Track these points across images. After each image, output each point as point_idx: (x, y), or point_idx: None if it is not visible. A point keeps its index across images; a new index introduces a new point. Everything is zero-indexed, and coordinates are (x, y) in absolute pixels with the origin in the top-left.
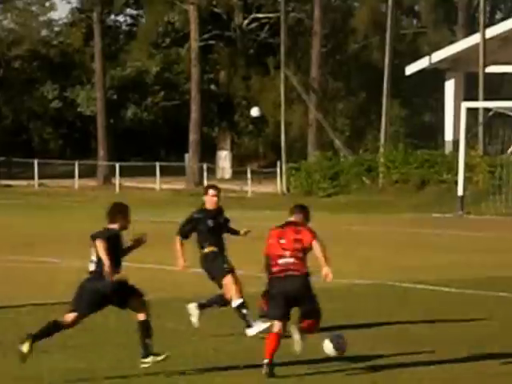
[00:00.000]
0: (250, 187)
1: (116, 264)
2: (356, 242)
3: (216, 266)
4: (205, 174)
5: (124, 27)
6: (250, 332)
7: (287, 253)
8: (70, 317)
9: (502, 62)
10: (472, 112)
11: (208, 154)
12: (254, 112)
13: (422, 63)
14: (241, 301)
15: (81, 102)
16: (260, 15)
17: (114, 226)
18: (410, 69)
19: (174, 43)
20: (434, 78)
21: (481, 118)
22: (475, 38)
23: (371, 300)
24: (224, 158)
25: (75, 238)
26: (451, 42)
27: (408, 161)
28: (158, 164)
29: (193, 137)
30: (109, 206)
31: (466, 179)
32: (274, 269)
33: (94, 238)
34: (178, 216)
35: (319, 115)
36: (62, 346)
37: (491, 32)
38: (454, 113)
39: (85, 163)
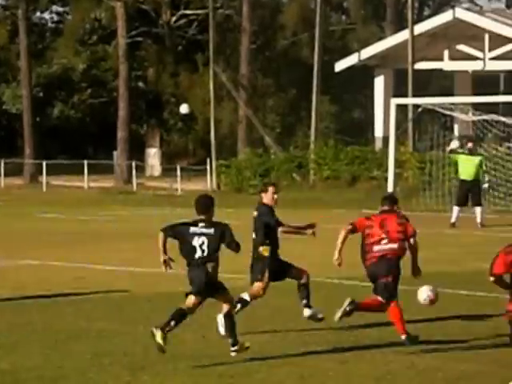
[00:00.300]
0: (179, 185)
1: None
2: (286, 238)
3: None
4: (133, 171)
5: (50, 24)
6: None
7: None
8: (192, 300)
9: (431, 59)
10: (401, 108)
11: (137, 151)
12: (183, 109)
13: (351, 60)
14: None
15: (6, 100)
16: (188, 12)
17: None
18: (340, 65)
19: (101, 40)
20: (363, 74)
21: (410, 115)
22: (404, 35)
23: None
24: (153, 156)
25: (1, 236)
26: (380, 39)
27: (338, 157)
28: (85, 162)
29: (121, 134)
30: (200, 199)
31: (396, 175)
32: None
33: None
34: (106, 214)
35: (249, 112)
36: None
37: (420, 28)
38: (383, 109)
39: (11, 161)
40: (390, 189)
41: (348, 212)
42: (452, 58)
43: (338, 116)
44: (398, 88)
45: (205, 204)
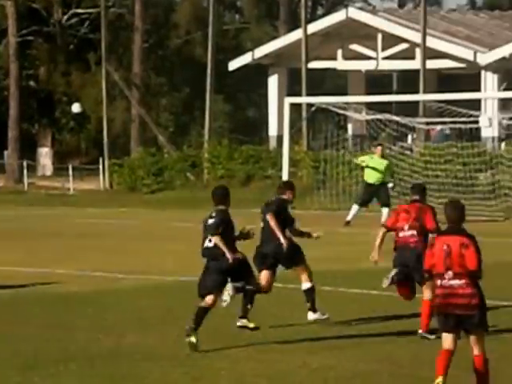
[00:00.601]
0: (71, 184)
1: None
2: (179, 238)
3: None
4: (25, 171)
5: None
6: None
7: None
8: (211, 299)
9: (324, 58)
10: (295, 107)
11: (28, 150)
12: (75, 108)
13: (244, 59)
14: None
15: None
16: (80, 10)
17: (224, 208)
18: (233, 64)
19: None
20: (257, 73)
21: (304, 114)
22: (297, 34)
23: (194, 297)
24: (45, 155)
25: None
26: (274, 38)
27: (232, 156)
28: None
29: (12, 133)
30: (217, 190)
31: (291, 174)
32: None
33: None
34: None
35: (142, 111)
36: None
37: (313, 28)
38: (277, 108)
39: None
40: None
41: (241, 211)
42: (345, 57)
43: (232, 115)
44: (291, 87)
45: (221, 194)
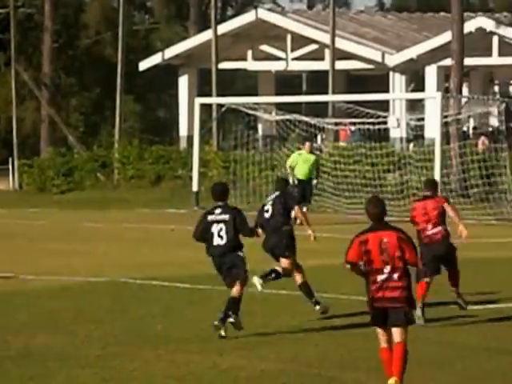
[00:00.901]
0: None
1: None
2: (90, 239)
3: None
4: None
5: None
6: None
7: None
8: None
9: (234, 58)
10: (206, 108)
11: None
12: None
13: (155, 59)
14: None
15: None
16: None
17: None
18: (144, 65)
19: None
20: (167, 73)
21: (214, 114)
22: (207, 35)
23: (105, 298)
24: None
25: None
26: (184, 38)
27: (143, 157)
28: None
29: None
30: (216, 186)
31: (201, 174)
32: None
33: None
34: None
35: (52, 111)
36: None
37: (223, 28)
38: (187, 108)
39: None
40: (194, 188)
41: (152, 212)
42: (255, 58)
43: (143, 115)
44: (202, 87)
45: (221, 191)
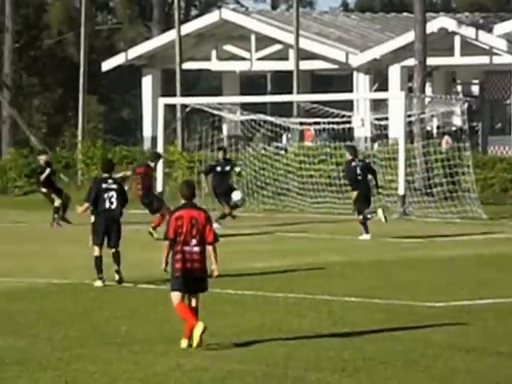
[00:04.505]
0: None
1: None
2: (53, 240)
3: None
4: None
5: None
6: None
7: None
8: None
9: (199, 59)
10: (170, 108)
11: None
12: None
13: (118, 59)
14: None
15: None
16: None
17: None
18: (107, 65)
19: None
20: (131, 74)
21: (178, 114)
22: (171, 35)
23: (68, 300)
24: None
25: None
26: (147, 39)
27: (107, 157)
28: None
29: None
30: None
31: (166, 175)
32: None
33: None
34: None
35: (14, 112)
36: None
37: (187, 29)
38: (151, 109)
39: None
40: (159, 188)
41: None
42: (219, 58)
43: (107, 116)
44: (166, 88)
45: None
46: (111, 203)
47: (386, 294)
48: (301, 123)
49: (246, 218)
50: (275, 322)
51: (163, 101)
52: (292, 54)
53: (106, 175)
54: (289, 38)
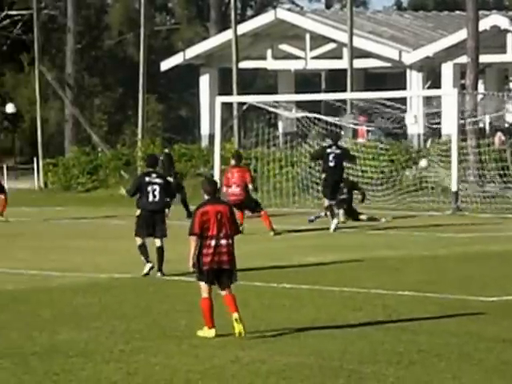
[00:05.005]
0: (6, 183)
1: None
2: (115, 236)
3: None
4: None
5: None
6: None
7: None
8: None
9: (254, 58)
10: (227, 106)
11: None
12: (9, 108)
13: (176, 59)
14: None
15: None
16: (13, 12)
17: None
18: (166, 64)
19: None
20: (189, 73)
21: (235, 112)
22: (227, 35)
23: (129, 294)
24: None
25: None
26: (204, 39)
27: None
28: None
29: None
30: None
31: (223, 172)
32: None
33: None
34: None
35: (76, 111)
36: None
37: (243, 28)
38: (209, 107)
39: None
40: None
41: (175, 208)
42: (275, 57)
43: (165, 114)
44: (223, 86)
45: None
46: (154, 196)
47: (439, 289)
48: (354, 121)
49: (300, 213)
50: (330, 315)
51: (220, 99)
52: (346, 52)
53: (149, 169)
54: (343, 37)
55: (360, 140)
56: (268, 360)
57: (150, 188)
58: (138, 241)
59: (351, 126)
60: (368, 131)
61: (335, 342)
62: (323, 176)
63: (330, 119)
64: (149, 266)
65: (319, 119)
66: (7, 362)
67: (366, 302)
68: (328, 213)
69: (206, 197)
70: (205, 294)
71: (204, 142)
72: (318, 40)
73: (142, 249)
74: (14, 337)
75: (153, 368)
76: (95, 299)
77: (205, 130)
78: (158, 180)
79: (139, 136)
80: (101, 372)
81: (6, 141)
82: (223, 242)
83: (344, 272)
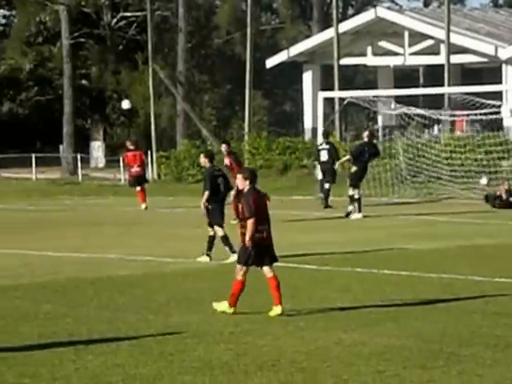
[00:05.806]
0: (122, 175)
1: None
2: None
3: None
4: (79, 163)
5: None
6: None
7: None
8: None
9: (355, 55)
10: (328, 101)
11: (82, 144)
12: (125, 104)
13: (281, 56)
14: None
15: None
16: (127, 14)
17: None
18: (271, 62)
19: (47, 41)
20: (292, 70)
21: (337, 107)
22: (329, 33)
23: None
24: (97, 148)
25: None
26: (307, 37)
27: (271, 148)
28: (33, 155)
29: (66, 129)
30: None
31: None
32: None
33: None
34: (53, 204)
35: (187, 106)
36: None
37: (344, 27)
38: (312, 102)
39: None
40: (319, 176)
41: (279, 199)
42: (375, 53)
43: (271, 109)
44: (325, 82)
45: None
46: (220, 188)
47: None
48: (452, 114)
49: (398, 203)
50: (429, 300)
51: (322, 94)
52: (443, 48)
53: (213, 164)
54: (440, 34)
55: (458, 133)
56: (369, 342)
57: (219, 180)
58: (220, 232)
59: (449, 119)
60: (466, 124)
61: (434, 326)
62: (354, 169)
63: (427, 113)
64: (234, 257)
65: (417, 115)
66: (125, 344)
67: (464, 288)
68: (356, 204)
69: (248, 185)
70: (240, 276)
71: (307, 136)
72: (417, 37)
73: (225, 240)
74: (131, 320)
75: (261, 349)
76: (204, 284)
77: (308, 123)
78: (220, 173)
79: (246, 130)
80: (212, 352)
81: (122, 135)
82: (265, 227)
83: (442, 259)
